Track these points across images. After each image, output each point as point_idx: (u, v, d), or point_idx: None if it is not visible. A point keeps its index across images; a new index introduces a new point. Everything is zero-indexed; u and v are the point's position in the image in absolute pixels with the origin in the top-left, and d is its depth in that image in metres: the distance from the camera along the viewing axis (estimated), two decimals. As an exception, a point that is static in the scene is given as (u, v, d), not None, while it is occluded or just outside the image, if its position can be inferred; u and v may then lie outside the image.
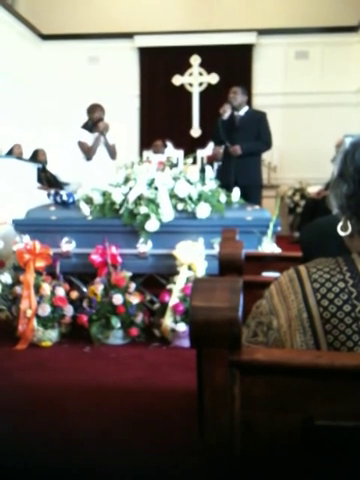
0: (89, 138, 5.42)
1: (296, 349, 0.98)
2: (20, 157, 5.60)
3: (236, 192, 3.88)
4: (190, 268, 3.36)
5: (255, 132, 5.16)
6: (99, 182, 3.75)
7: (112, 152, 5.46)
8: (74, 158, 5.62)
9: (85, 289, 3.53)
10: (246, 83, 8.00)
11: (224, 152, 5.12)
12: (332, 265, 1.01)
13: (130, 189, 3.58)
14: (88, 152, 5.39)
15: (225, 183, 4.32)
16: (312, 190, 7.27)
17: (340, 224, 1.03)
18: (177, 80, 8.28)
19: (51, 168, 6.98)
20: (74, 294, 3.42)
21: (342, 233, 1.03)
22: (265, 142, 5.20)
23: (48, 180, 6.70)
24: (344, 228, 1.03)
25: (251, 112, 5.39)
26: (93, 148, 5.37)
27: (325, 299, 0.97)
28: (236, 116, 5.21)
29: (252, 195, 4.67)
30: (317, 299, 0.97)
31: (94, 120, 5.41)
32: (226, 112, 5.13)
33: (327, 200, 1.08)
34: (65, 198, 3.78)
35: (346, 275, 0.98)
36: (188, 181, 3.66)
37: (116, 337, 3.31)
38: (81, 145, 5.43)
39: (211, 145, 5.28)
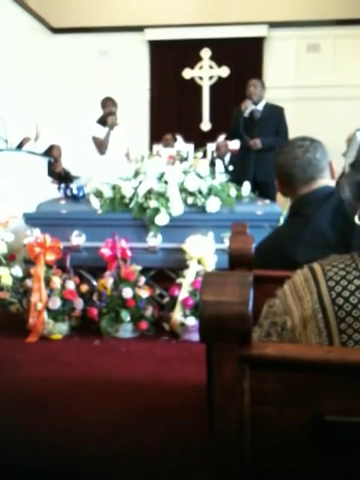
0: (102, 132, 5.43)
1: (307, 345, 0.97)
2: (31, 151, 5.60)
3: (246, 186, 3.86)
4: (200, 262, 3.36)
5: (274, 127, 5.14)
6: (112, 176, 3.75)
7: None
8: (88, 152, 5.64)
9: (95, 283, 3.54)
10: (257, 76, 7.93)
11: (243, 146, 5.07)
12: (347, 261, 0.99)
13: (140, 183, 3.57)
14: (100, 146, 5.41)
15: (243, 178, 4.27)
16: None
17: (358, 214, 1.02)
18: (187, 73, 8.23)
19: (63, 162, 6.99)
20: (84, 287, 3.43)
21: (359, 222, 1.02)
22: (284, 137, 5.19)
23: (59, 174, 6.71)
24: None
25: (269, 107, 5.33)
26: (105, 142, 5.38)
27: (340, 297, 0.95)
28: (255, 111, 5.16)
29: (270, 191, 4.63)
30: (332, 297, 0.96)
31: (105, 114, 5.42)
32: (247, 108, 5.08)
33: (340, 188, 1.08)
34: (75, 192, 3.79)
35: None
36: (198, 175, 3.65)
37: (126, 331, 3.32)
38: (94, 139, 5.44)
39: (222, 137, 5.25)
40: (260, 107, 5.19)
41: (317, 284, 0.98)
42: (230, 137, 5.30)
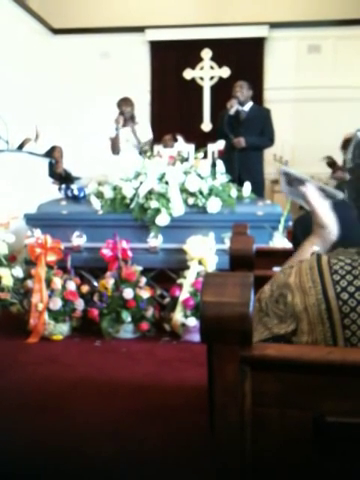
0: (114, 133, 5.47)
1: (310, 342, 0.97)
2: (32, 152, 5.62)
3: (247, 187, 3.87)
4: (201, 263, 3.36)
5: (259, 128, 5.18)
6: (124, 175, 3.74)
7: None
8: (102, 152, 5.65)
9: (96, 283, 3.54)
10: (257, 77, 7.95)
11: (227, 146, 5.09)
12: (354, 256, 0.99)
13: (141, 183, 3.58)
14: (113, 147, 5.45)
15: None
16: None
17: None
18: (188, 74, 8.23)
19: (64, 163, 6.99)
20: (85, 288, 3.43)
21: None
22: (269, 138, 5.22)
23: (60, 175, 6.72)
24: None
25: (256, 108, 5.40)
26: (115, 143, 5.42)
27: (345, 292, 0.96)
28: (241, 111, 5.20)
29: (256, 191, 4.64)
30: (337, 292, 0.96)
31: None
32: (233, 107, 5.12)
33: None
34: (76, 192, 3.79)
35: None
36: (199, 175, 3.65)
37: (126, 331, 3.32)
38: (110, 140, 5.49)
39: (222, 141, 5.25)
40: (246, 108, 5.23)
41: (321, 275, 0.98)
42: (217, 137, 5.32)
